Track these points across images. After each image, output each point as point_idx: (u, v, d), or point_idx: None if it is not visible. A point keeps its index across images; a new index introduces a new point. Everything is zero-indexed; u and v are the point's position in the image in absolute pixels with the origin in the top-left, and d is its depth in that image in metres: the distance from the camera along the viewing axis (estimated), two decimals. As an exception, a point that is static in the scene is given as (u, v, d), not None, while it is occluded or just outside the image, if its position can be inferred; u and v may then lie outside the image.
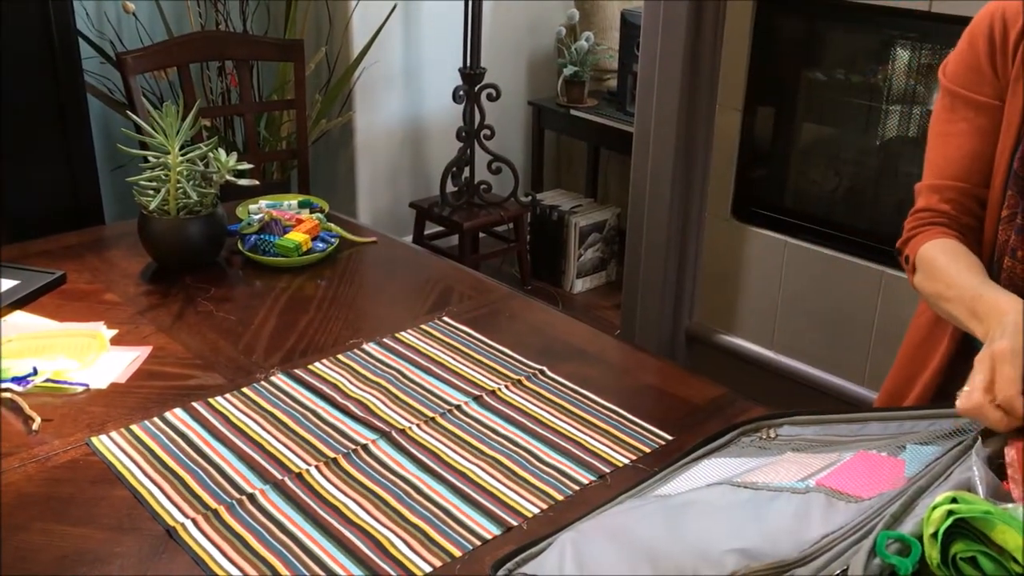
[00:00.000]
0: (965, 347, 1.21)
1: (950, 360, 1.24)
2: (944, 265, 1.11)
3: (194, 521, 1.03)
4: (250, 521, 1.03)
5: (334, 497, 1.07)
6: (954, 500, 0.71)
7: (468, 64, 3.20)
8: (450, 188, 3.33)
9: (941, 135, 1.19)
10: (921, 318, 1.29)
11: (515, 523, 1.04)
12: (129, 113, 1.85)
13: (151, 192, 1.60)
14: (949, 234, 1.16)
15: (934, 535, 0.71)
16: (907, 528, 0.73)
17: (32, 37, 2.29)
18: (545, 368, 1.36)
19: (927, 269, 1.14)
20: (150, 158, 1.60)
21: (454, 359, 1.39)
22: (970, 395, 0.87)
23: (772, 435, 1.08)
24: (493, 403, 1.27)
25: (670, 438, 1.20)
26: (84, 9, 2.94)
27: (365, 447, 1.17)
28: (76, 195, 2.43)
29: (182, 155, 1.58)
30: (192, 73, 2.27)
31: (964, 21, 2.03)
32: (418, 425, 1.22)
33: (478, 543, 1.01)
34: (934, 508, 0.72)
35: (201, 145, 1.63)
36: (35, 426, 1.20)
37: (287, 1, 3.16)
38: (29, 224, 1.97)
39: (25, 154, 2.31)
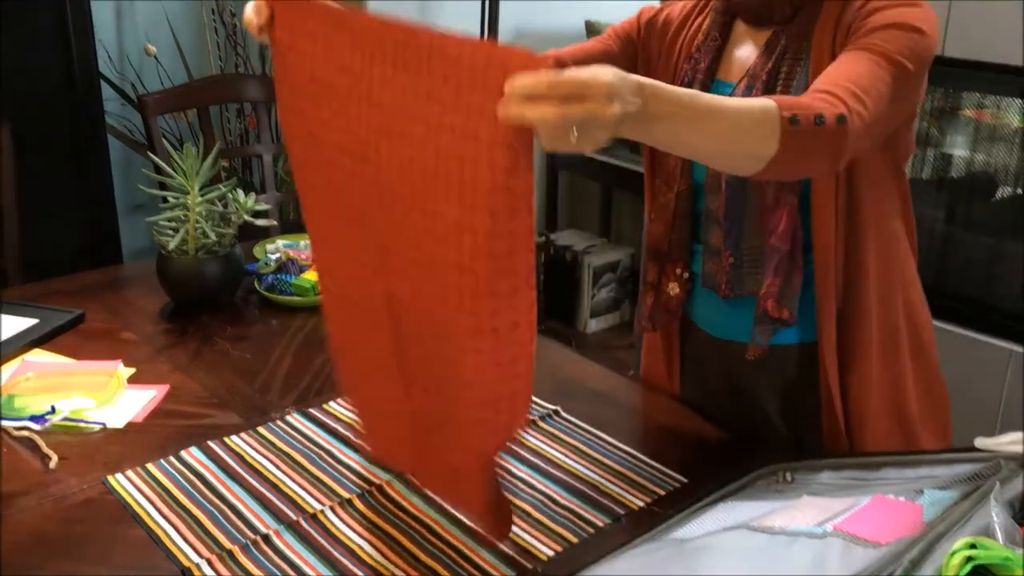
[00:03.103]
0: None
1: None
2: None
3: (209, 561, 1.03)
4: (264, 562, 1.03)
5: (348, 538, 1.07)
6: (973, 546, 0.71)
7: (483, 106, 3.24)
8: (465, 228, 3.35)
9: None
10: None
11: (530, 566, 1.03)
12: (150, 154, 1.87)
13: (170, 232, 1.61)
14: None
15: (953, 581, 0.70)
16: (926, 574, 0.73)
17: (55, 79, 2.33)
18: (559, 408, 1.36)
19: None
20: (170, 199, 1.62)
21: (469, 399, 1.39)
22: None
23: (789, 479, 1.08)
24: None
25: (685, 480, 1.19)
26: (106, 52, 2.99)
27: (380, 488, 1.17)
28: (95, 234, 2.46)
29: (201, 196, 1.60)
30: (211, 114, 2.30)
31: (976, 65, 2.06)
32: (433, 466, 1.22)
33: (493, 586, 1.00)
34: (953, 554, 0.71)
35: (220, 186, 1.65)
36: (52, 464, 1.20)
37: (305, 44, 3.21)
38: (49, 263, 2.00)
39: (46, 193, 2.35)
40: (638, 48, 1.36)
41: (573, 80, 0.79)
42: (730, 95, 1.22)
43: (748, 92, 1.20)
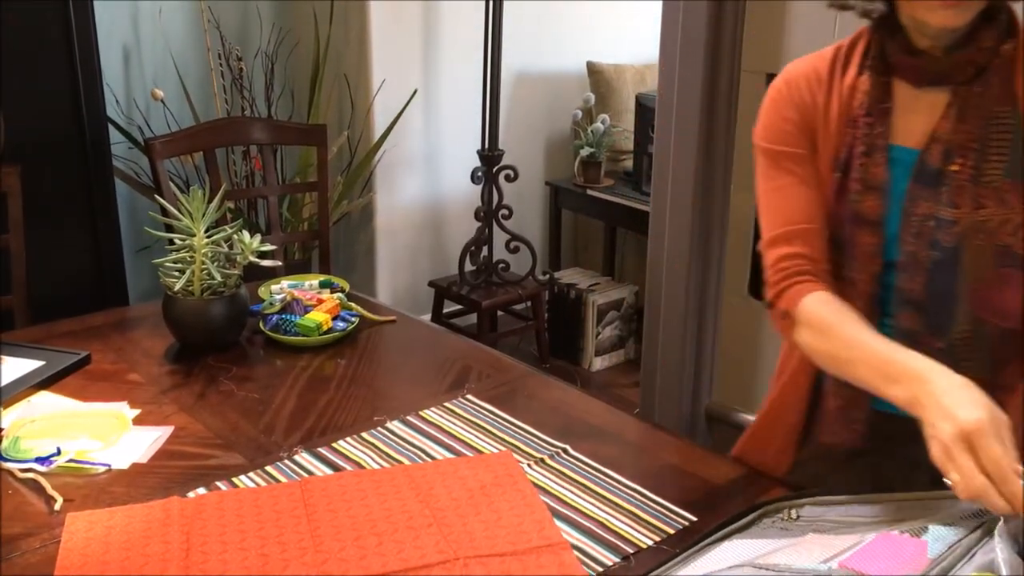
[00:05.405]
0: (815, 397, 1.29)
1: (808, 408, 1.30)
2: (835, 324, 1.13)
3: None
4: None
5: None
6: (979, 582, 0.71)
7: (486, 146, 3.27)
8: (468, 267, 3.36)
9: (774, 191, 1.25)
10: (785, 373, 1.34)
11: (535, 605, 1.03)
12: (157, 197, 1.89)
13: (176, 273, 1.63)
14: (819, 285, 1.18)
15: (960, 618, 0.70)
16: (933, 610, 0.72)
17: (64, 122, 2.36)
18: (568, 447, 1.36)
19: (816, 326, 1.15)
20: (176, 240, 1.63)
21: (478, 437, 1.39)
22: (970, 481, 0.87)
23: (794, 516, 1.07)
24: (513, 483, 1.27)
25: (694, 519, 1.19)
26: (114, 96, 3.03)
27: (385, 528, 1.17)
28: (102, 276, 2.48)
29: (207, 237, 1.61)
30: (217, 156, 2.33)
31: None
32: (438, 505, 1.21)
33: (498, 626, 1.00)
34: (959, 590, 0.71)
35: (226, 228, 1.67)
36: (57, 506, 1.20)
37: (311, 88, 3.25)
38: (55, 303, 2.01)
39: (53, 236, 2.37)
40: (808, 136, 1.23)
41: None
42: (917, 161, 1.13)
43: (946, 160, 1.11)
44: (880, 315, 1.17)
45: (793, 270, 1.20)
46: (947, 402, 0.93)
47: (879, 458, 1.23)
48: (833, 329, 1.13)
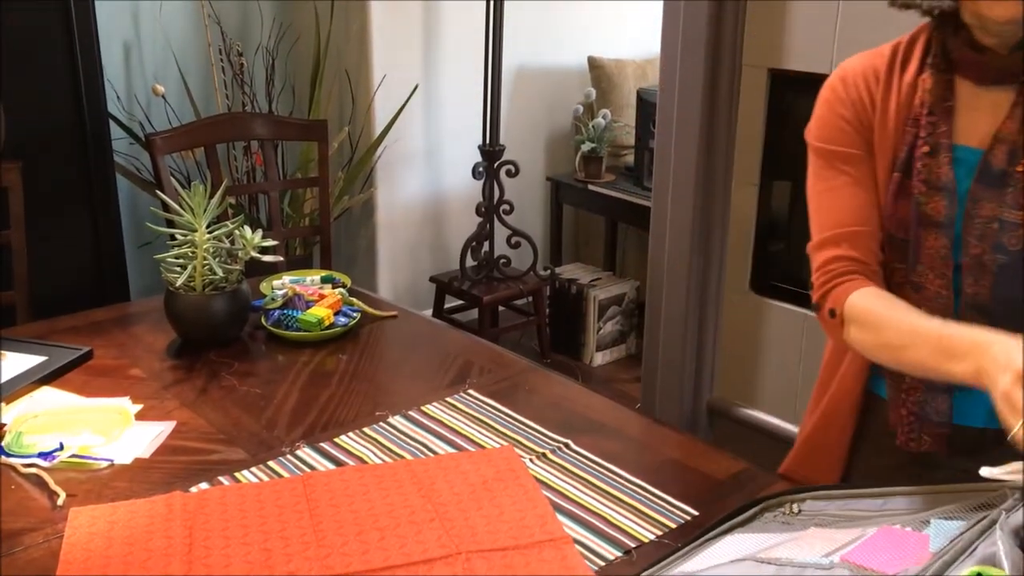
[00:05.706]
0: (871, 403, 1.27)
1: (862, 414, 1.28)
2: (885, 313, 1.10)
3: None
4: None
5: None
6: (979, 575, 0.71)
7: (487, 141, 3.26)
8: (470, 262, 3.36)
9: (825, 191, 1.21)
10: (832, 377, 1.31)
11: (537, 600, 1.03)
12: (158, 192, 1.89)
13: (178, 269, 1.63)
14: (866, 283, 1.15)
15: (961, 611, 0.70)
16: (934, 604, 0.73)
17: (65, 118, 2.36)
18: (570, 442, 1.36)
19: (864, 320, 1.12)
20: (177, 236, 1.63)
21: (480, 432, 1.39)
22: None
23: (795, 510, 1.08)
24: (514, 478, 1.27)
25: (696, 513, 1.19)
26: (115, 92, 3.03)
27: (387, 522, 1.17)
28: (103, 272, 2.48)
29: (208, 233, 1.61)
30: (218, 152, 2.33)
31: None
32: (439, 500, 1.22)
33: (500, 620, 1.00)
34: (960, 584, 0.71)
35: (227, 223, 1.67)
36: (60, 501, 1.20)
37: (311, 84, 3.25)
38: (57, 299, 2.01)
39: (54, 232, 2.37)
40: (864, 136, 1.20)
41: None
42: (980, 161, 1.11)
43: (1011, 161, 1.08)
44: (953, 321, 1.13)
45: (839, 271, 1.17)
46: (1003, 358, 0.91)
47: (930, 469, 1.20)
48: (884, 318, 1.10)
